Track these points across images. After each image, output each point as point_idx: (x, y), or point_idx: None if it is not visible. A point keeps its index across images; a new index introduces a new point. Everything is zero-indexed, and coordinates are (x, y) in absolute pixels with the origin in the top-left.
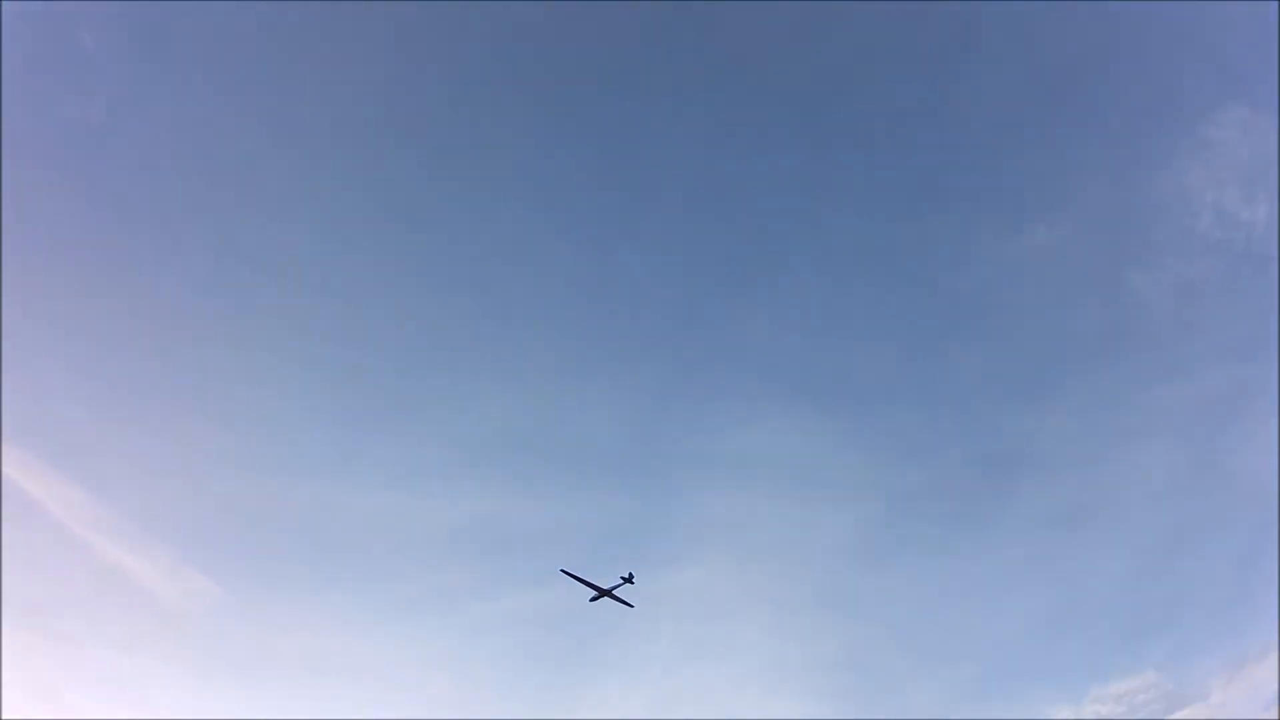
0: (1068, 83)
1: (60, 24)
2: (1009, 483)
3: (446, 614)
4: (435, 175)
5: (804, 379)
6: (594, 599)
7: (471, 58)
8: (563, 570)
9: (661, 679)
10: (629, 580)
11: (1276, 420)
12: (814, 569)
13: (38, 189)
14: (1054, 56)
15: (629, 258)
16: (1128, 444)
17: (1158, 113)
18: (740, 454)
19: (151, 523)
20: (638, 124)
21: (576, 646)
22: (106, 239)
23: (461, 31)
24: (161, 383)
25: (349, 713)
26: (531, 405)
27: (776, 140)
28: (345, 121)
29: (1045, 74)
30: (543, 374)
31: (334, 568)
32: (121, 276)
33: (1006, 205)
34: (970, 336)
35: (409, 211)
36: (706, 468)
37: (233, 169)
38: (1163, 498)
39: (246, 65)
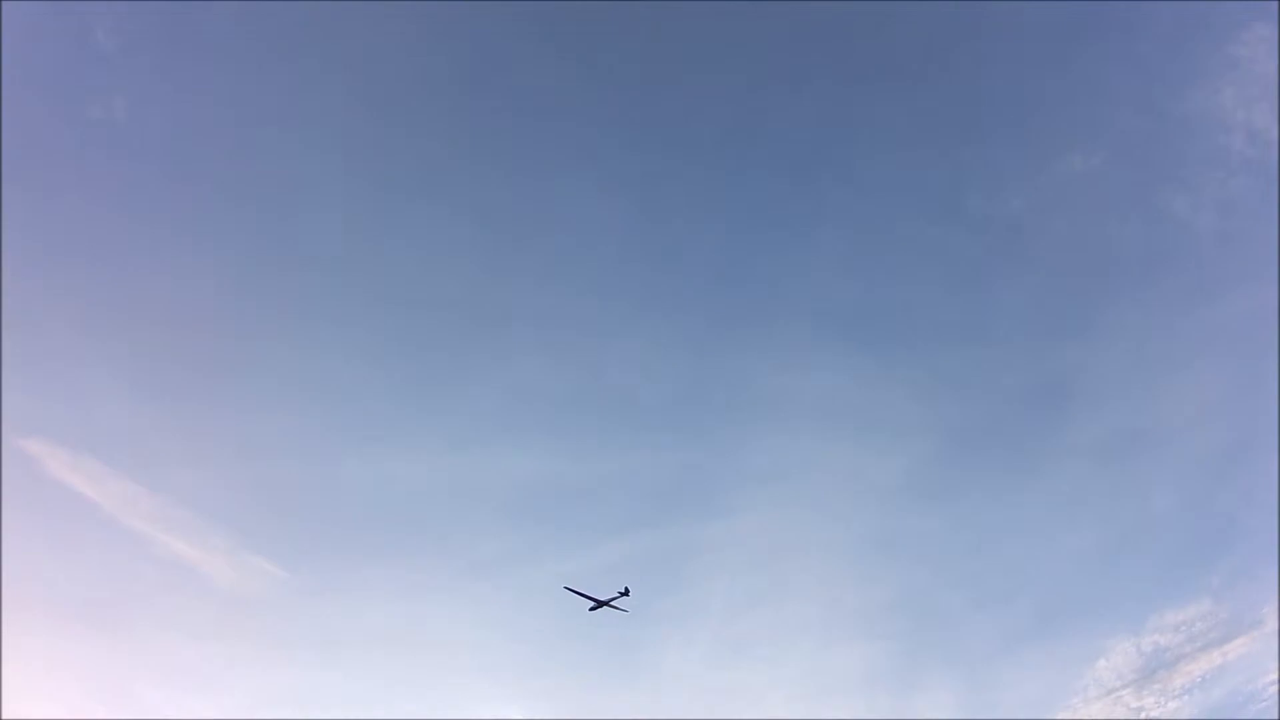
0: (1095, 9)
1: (73, 23)
2: (1057, 415)
3: (507, 577)
4: (468, 138)
5: (848, 321)
6: (593, 609)
7: (504, 15)
8: (566, 588)
9: (721, 628)
10: (625, 594)
11: None
12: (867, 512)
13: (62, 190)
14: None
15: (666, 209)
16: (1175, 368)
17: (1185, 35)
18: (788, 399)
19: (207, 511)
20: (669, 75)
21: (637, 602)
22: (132, 236)
23: None
24: (202, 372)
25: (421, 683)
26: (577, 363)
27: (807, 81)
28: (373, 93)
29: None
30: (587, 331)
31: (393, 538)
32: (150, 272)
33: (1038, 134)
34: (1010, 268)
35: (444, 179)
36: (755, 416)
37: (260, 156)
38: (1212, 421)
39: (267, 60)
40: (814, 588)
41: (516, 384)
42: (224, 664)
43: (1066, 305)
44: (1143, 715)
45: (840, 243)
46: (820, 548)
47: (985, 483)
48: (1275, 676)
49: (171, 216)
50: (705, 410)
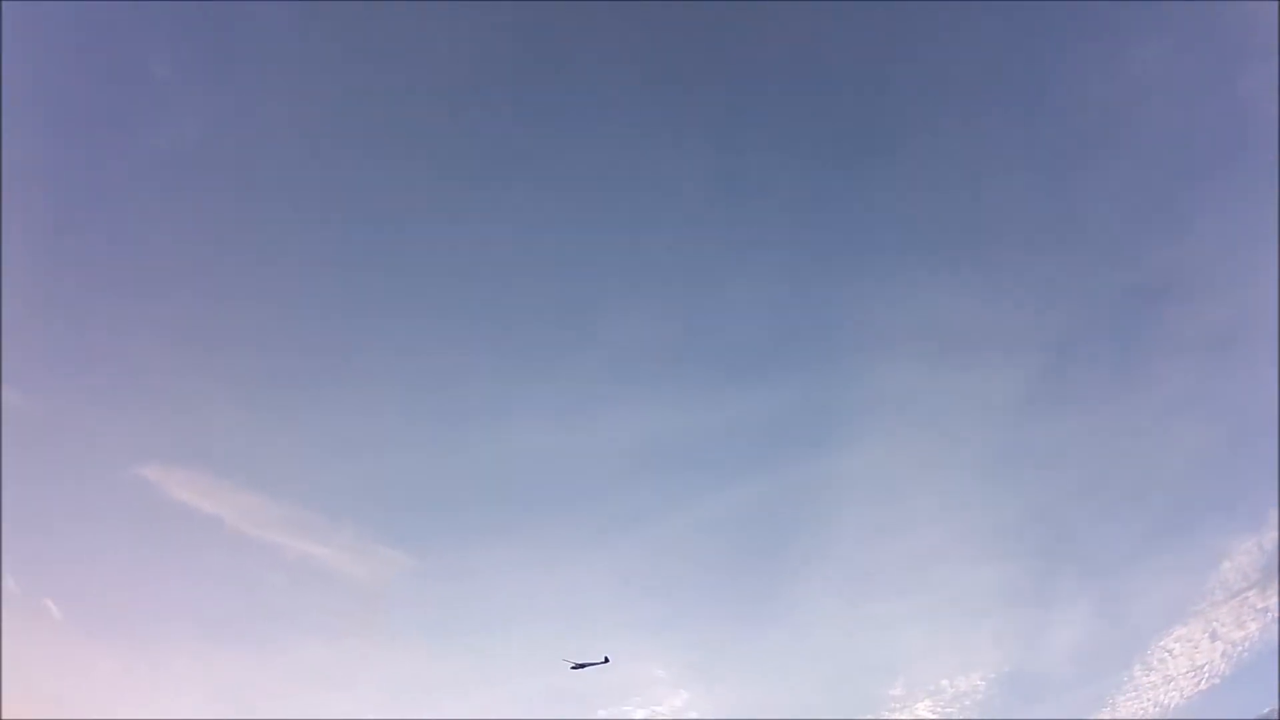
0: None
1: (129, 53)
2: (1160, 313)
3: (635, 534)
4: (539, 106)
5: (942, 236)
6: (574, 668)
7: None
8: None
9: (854, 561)
10: (606, 661)
11: None
12: (984, 429)
13: (142, 218)
14: None
15: (740, 147)
16: (1269, 253)
17: None
18: (890, 324)
19: (330, 510)
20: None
21: (767, 545)
22: (208, 257)
23: None
24: (304, 376)
25: (563, 650)
26: (675, 315)
27: None
28: (451, 70)
29: None
30: (681, 282)
31: (517, 511)
32: (234, 287)
33: (1108, 28)
34: (1097, 167)
35: (515, 150)
36: (859, 345)
37: (330, 158)
38: None
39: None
40: (941, 511)
41: (618, 343)
42: (360, 659)
43: (1155, 200)
44: (1270, 615)
45: (927, 156)
46: (942, 470)
47: (1098, 389)
48: None
49: (241, 230)
50: (809, 345)
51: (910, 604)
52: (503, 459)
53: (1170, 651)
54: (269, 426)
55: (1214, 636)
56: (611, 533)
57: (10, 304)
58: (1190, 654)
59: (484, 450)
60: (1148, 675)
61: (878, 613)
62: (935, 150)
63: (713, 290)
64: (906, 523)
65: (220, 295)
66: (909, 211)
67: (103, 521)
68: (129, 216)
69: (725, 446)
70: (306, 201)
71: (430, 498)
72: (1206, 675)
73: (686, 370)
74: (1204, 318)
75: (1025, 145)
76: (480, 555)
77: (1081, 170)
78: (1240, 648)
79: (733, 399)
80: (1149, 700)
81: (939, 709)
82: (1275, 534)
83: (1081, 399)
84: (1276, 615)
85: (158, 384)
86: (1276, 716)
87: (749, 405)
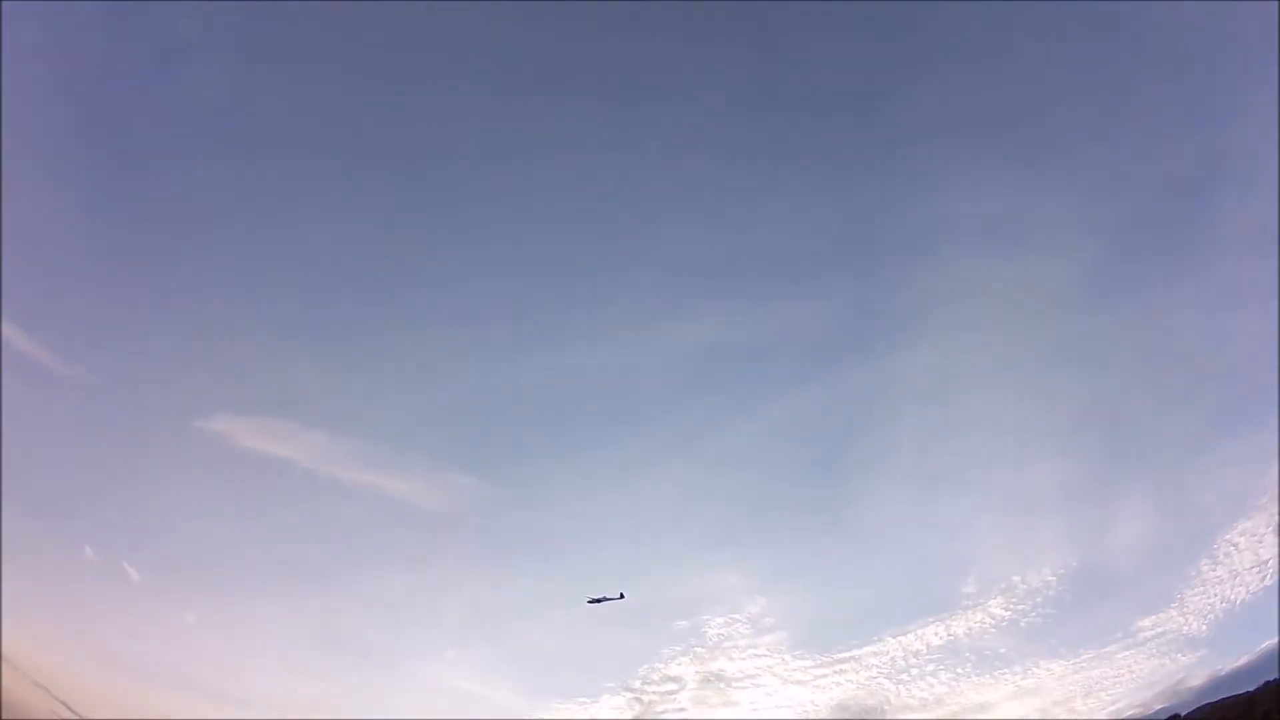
0: None
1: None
2: (1209, 203)
3: (700, 447)
4: (602, 11)
5: (985, 129)
6: (591, 602)
7: None
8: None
9: (918, 462)
10: (621, 597)
11: None
12: (1036, 325)
13: (189, 175)
14: None
15: (780, 54)
16: None
17: None
18: (941, 222)
19: (399, 443)
20: None
21: (831, 449)
22: (259, 206)
23: None
24: (360, 313)
25: (637, 565)
26: (726, 227)
27: None
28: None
29: None
30: (729, 193)
31: (581, 430)
32: (299, 229)
33: None
34: (1141, 57)
35: (564, 73)
36: (911, 246)
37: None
38: None
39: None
40: (999, 408)
41: (669, 259)
42: (438, 587)
43: (1201, 90)
44: None
45: (961, 48)
46: (1001, 367)
47: (1150, 280)
48: None
49: (282, 182)
50: (858, 247)
51: (976, 501)
52: (564, 380)
53: (1235, 545)
54: (330, 367)
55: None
56: (677, 446)
57: (61, 283)
58: (1255, 548)
59: (545, 373)
60: (1214, 570)
61: (945, 511)
62: (975, 43)
63: (759, 199)
64: (967, 420)
65: (265, 246)
66: (949, 105)
67: (174, 479)
68: (171, 178)
69: (783, 354)
70: (346, 148)
71: (497, 423)
72: (1272, 569)
73: (739, 280)
74: (1252, 207)
75: (1068, 34)
76: (549, 476)
77: (1126, 60)
78: None
79: (787, 306)
80: (1215, 595)
81: (1011, 605)
82: None
83: (1131, 291)
84: None
85: (214, 339)
86: None
87: (803, 311)
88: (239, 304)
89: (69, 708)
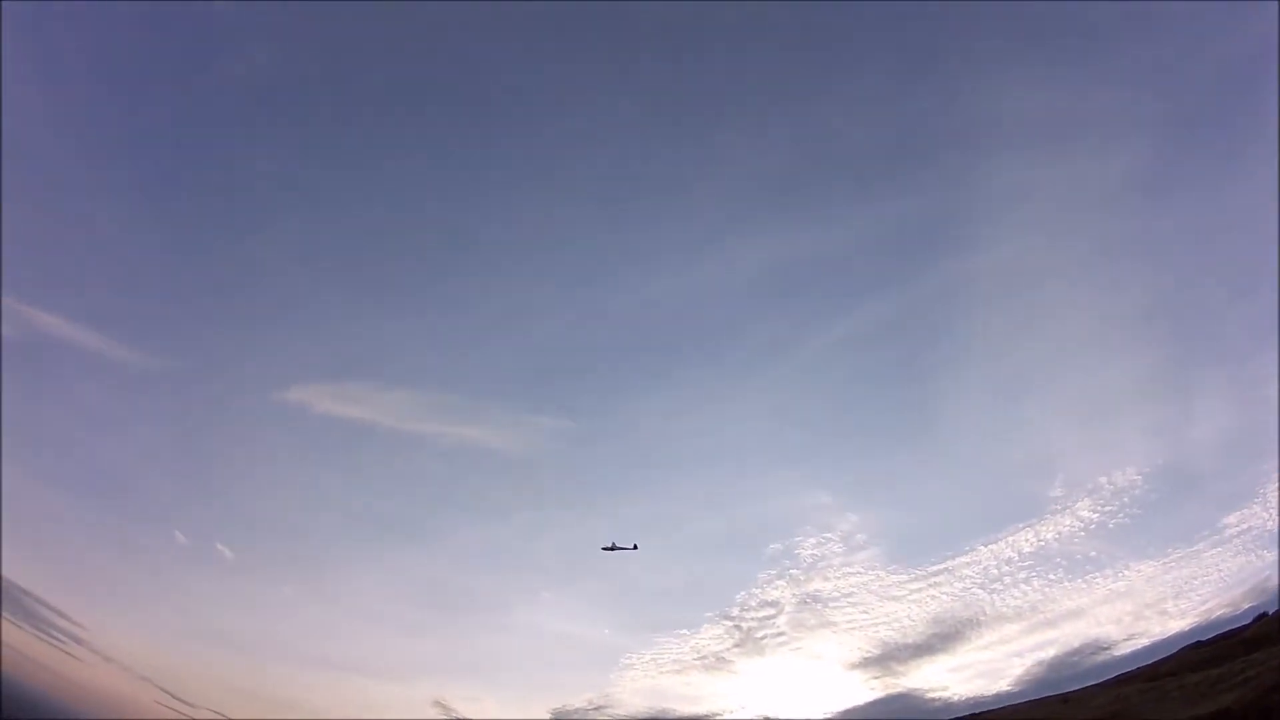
0: None
1: None
2: (1259, 94)
3: (779, 362)
4: None
5: (1037, 27)
6: (605, 550)
7: None
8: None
9: (991, 364)
10: (635, 548)
11: None
12: (1096, 220)
13: (235, 146)
14: None
15: None
16: None
17: None
18: (993, 121)
19: (476, 390)
20: None
21: (908, 356)
22: (308, 172)
23: None
24: (425, 269)
25: (723, 489)
26: (789, 136)
27: None
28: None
29: None
30: (789, 100)
31: (659, 356)
32: (352, 191)
33: None
34: None
35: None
36: (968, 147)
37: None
38: None
39: None
40: (1069, 307)
41: (731, 173)
42: (529, 529)
43: None
44: None
45: None
46: (1063, 264)
47: (1205, 171)
48: None
49: (330, 146)
50: (920, 153)
51: (1056, 402)
52: (634, 308)
53: None
54: (403, 323)
55: None
56: (754, 365)
57: (126, 280)
58: None
59: (615, 302)
60: None
61: (1026, 413)
62: None
63: (819, 107)
64: (1039, 320)
65: (322, 211)
66: (1001, 7)
67: (258, 454)
68: (217, 150)
69: (852, 263)
70: (395, 104)
71: (571, 359)
72: None
73: (802, 192)
74: None
75: None
76: (628, 407)
77: None
78: None
79: (852, 214)
80: None
81: (1099, 506)
82: None
83: (1186, 184)
84: None
85: (282, 310)
86: None
87: (869, 218)
88: (302, 272)
89: (174, 695)
